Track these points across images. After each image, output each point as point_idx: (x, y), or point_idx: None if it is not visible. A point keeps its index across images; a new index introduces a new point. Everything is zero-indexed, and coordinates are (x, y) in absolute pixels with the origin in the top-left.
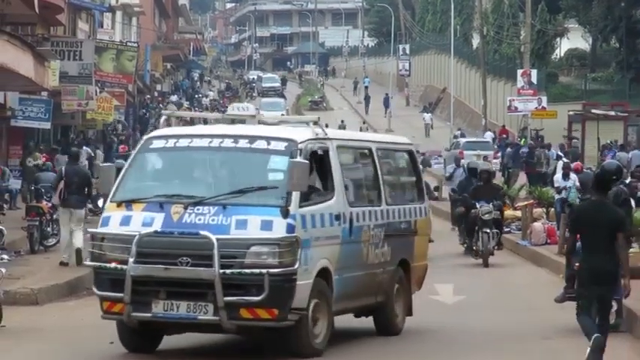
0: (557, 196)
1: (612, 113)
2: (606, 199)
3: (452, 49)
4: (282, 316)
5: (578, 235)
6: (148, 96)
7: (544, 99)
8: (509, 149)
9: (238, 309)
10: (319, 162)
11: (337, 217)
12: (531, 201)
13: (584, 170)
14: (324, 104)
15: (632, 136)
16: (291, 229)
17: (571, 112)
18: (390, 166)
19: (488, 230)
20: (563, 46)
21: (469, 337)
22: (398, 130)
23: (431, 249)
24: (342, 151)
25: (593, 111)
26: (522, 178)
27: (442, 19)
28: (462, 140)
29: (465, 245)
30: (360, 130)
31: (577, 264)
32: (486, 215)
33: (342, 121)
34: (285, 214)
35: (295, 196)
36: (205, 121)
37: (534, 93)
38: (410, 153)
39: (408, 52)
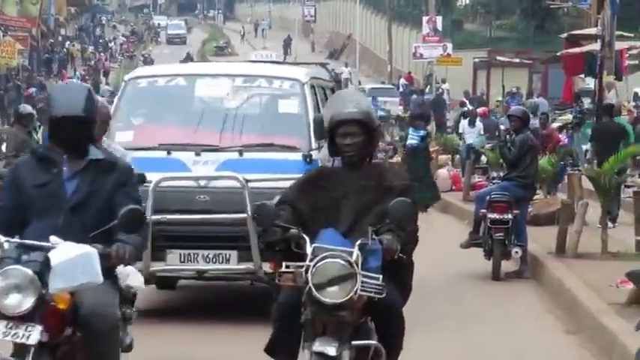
0: (462, 143)
1: (517, 60)
2: None
3: None
4: None
5: None
6: (52, 40)
7: (449, 46)
8: (414, 96)
9: None
10: None
11: None
12: (437, 148)
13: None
14: (229, 50)
15: (537, 83)
16: None
17: (476, 59)
18: None
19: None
20: None
21: None
22: None
23: None
24: None
25: (498, 58)
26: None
27: None
28: (367, 87)
29: None
30: None
31: (482, 210)
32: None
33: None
34: None
35: None
36: None
37: (439, 40)
38: None
39: None
